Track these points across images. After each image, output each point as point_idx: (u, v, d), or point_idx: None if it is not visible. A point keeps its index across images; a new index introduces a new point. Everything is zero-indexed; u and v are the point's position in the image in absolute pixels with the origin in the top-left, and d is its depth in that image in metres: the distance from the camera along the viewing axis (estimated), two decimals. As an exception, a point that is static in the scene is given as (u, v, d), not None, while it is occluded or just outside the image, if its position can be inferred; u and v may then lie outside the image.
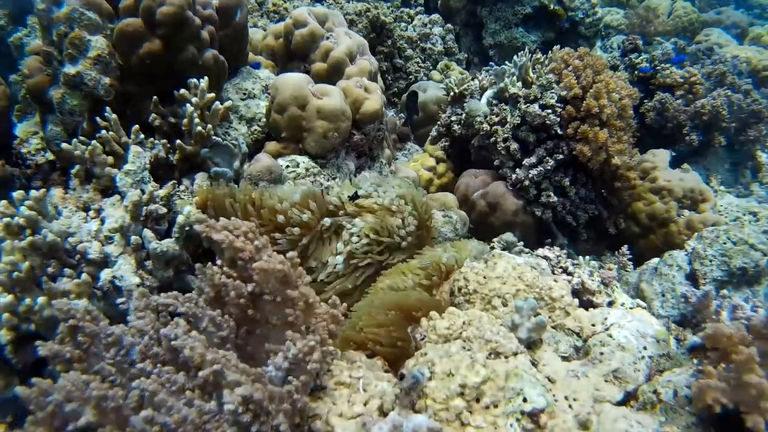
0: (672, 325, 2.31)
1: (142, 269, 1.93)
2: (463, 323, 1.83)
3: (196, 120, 2.14)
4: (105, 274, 1.87)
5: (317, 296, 1.49)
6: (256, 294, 1.32)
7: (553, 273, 2.38)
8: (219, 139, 2.20)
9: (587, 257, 2.52)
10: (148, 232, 1.89)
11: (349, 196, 2.19)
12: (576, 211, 3.43)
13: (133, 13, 2.10)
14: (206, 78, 2.17)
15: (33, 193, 1.84)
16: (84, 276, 1.78)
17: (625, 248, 3.29)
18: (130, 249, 1.90)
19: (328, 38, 2.75)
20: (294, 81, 2.38)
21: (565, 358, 1.83)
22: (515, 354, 1.68)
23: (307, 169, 2.37)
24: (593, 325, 1.91)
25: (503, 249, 3.38)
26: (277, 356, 1.30)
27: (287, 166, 2.35)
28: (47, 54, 2.20)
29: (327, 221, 2.09)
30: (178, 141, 2.14)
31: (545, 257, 2.44)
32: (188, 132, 2.20)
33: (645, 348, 1.76)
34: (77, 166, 2.11)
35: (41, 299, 1.71)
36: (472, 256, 2.30)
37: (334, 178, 2.44)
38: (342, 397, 1.48)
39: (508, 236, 3.35)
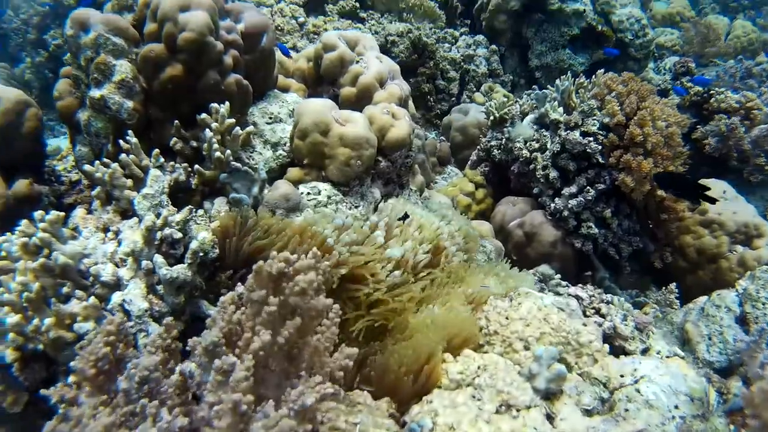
0: (715, 377, 2.09)
1: (154, 294, 1.88)
2: (478, 368, 1.70)
3: (215, 145, 2.09)
4: (115, 298, 1.83)
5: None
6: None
7: (585, 315, 2.20)
8: (238, 164, 2.15)
9: (621, 298, 2.32)
10: (159, 258, 1.85)
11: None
12: (619, 243, 3.22)
13: (156, 39, 2.09)
14: (227, 103, 2.13)
15: (49, 215, 1.83)
16: (92, 299, 1.75)
17: (672, 286, 3.05)
18: (142, 273, 1.86)
19: (358, 62, 2.68)
20: (316, 107, 2.31)
21: (587, 412, 1.66)
22: (528, 407, 1.54)
23: (329, 197, 2.29)
24: (622, 376, 1.74)
25: (540, 282, 3.21)
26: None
27: (308, 193, 2.28)
28: (76, 77, 2.22)
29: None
30: (197, 166, 2.11)
31: (577, 297, 2.27)
32: (209, 157, 2.16)
33: (676, 407, 1.57)
34: (98, 188, 2.10)
35: (48, 320, 1.68)
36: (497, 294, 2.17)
37: (356, 207, 2.35)
38: None
39: (545, 268, 3.18)
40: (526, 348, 1.85)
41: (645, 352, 2.02)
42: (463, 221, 2.54)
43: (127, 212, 2.12)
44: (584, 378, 1.79)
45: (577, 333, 1.88)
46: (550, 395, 1.64)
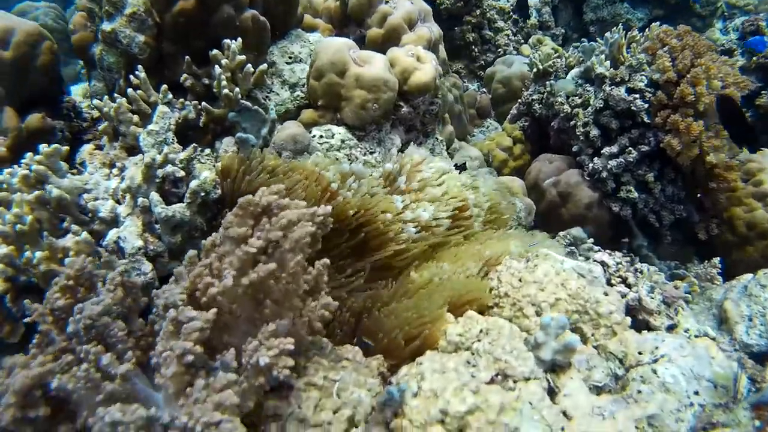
0: (749, 363, 1.87)
1: (150, 232, 1.80)
2: (480, 331, 1.55)
3: (224, 82, 1.97)
4: (111, 234, 1.76)
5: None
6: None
7: (609, 283, 2.00)
8: (247, 103, 2.02)
9: (654, 268, 2.10)
10: (154, 195, 1.76)
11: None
12: (660, 210, 2.96)
13: (168, -31, 1.95)
14: (239, 39, 1.99)
15: (44, 148, 1.76)
16: (84, 235, 1.68)
17: (716, 260, 2.78)
18: (138, 211, 1.77)
19: (387, 2, 2.47)
20: (334, 45, 2.14)
21: (597, 389, 1.49)
22: (527, 379, 1.38)
23: (342, 141, 2.14)
24: (640, 353, 1.55)
25: (569, 245, 3.00)
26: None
27: (321, 136, 2.13)
28: (90, 10, 2.12)
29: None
30: (204, 103, 1.99)
31: (602, 263, 2.06)
32: (218, 94, 2.03)
33: (696, 393, 1.39)
34: (105, 123, 2.02)
35: (39, 254, 1.63)
36: (516, 254, 1.99)
37: (372, 153, 2.20)
38: (309, 400, 1.27)
39: (578, 231, 2.97)
40: (538, 314, 1.68)
41: (671, 329, 1.82)
42: (490, 178, 2.34)
43: (134, 149, 2.04)
44: (600, 352, 1.62)
45: (597, 302, 1.70)
46: (556, 368, 1.48)
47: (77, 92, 2.74)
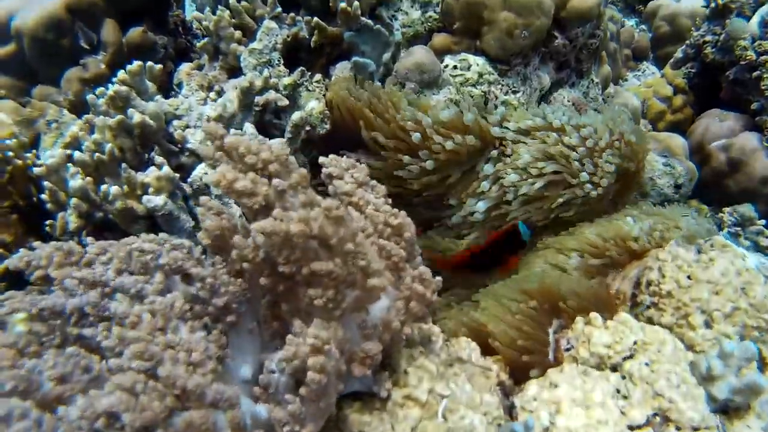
0: None
1: (244, 172, 1.45)
2: (635, 343, 1.09)
3: (341, -8, 1.53)
4: (198, 170, 1.43)
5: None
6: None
7: None
8: (369, 21, 1.58)
9: None
10: (249, 127, 1.40)
11: None
12: None
13: None
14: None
15: (129, 66, 1.43)
16: (165, 169, 1.35)
17: None
18: (231, 144, 1.41)
19: None
20: (480, -51, 1.61)
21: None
22: (695, 430, 0.91)
23: (480, 74, 1.65)
24: None
25: (735, 225, 2.37)
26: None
27: (455, 67, 1.65)
28: None
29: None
30: (316, 19, 1.56)
31: None
32: (334, 8, 1.60)
33: None
34: (205, 39, 1.67)
35: (114, 189, 1.32)
36: (682, 237, 1.45)
37: (515, 92, 1.69)
38: (407, 420, 0.88)
39: (747, 209, 2.37)
40: (708, 325, 1.20)
41: None
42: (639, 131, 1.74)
43: (236, 70, 1.67)
44: None
45: None
46: (728, 409, 1.01)
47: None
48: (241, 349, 0.89)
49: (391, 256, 0.92)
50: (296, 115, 1.40)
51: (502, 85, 1.66)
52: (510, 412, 1.02)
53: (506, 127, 1.49)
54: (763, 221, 2.39)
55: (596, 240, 1.38)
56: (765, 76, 2.49)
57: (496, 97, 1.65)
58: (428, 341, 1.07)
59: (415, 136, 1.38)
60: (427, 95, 1.54)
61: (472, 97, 1.56)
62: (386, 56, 1.61)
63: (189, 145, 1.45)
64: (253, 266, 0.82)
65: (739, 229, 2.48)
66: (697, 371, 1.05)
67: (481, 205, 1.46)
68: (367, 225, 0.93)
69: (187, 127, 1.51)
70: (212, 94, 1.63)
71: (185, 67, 1.73)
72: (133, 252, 0.85)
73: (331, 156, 1.07)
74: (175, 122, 1.50)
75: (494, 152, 1.47)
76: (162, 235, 0.96)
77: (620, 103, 2.33)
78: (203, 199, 0.91)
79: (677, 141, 2.49)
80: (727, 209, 2.47)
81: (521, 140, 1.49)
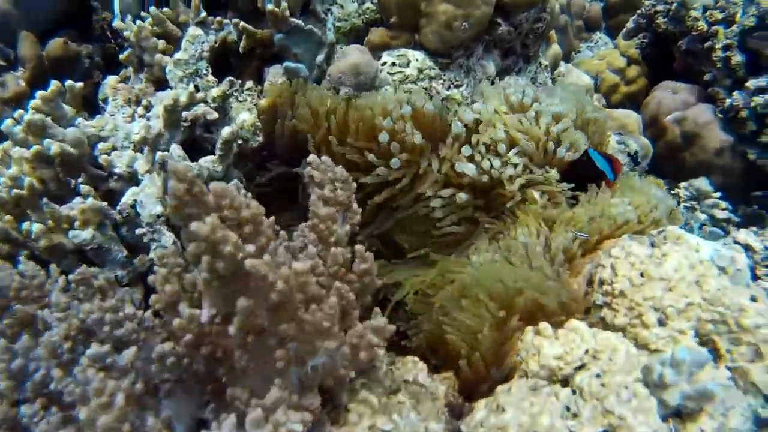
0: None
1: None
2: (586, 352, 1.06)
3: (268, -7, 1.42)
4: (127, 196, 1.33)
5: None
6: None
7: (756, 277, 1.38)
8: (298, 22, 1.47)
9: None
10: (176, 149, 1.30)
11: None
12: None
13: None
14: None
15: (41, 93, 1.31)
16: (90, 200, 1.25)
17: None
18: (158, 167, 1.32)
19: None
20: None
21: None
22: None
23: (420, 70, 1.57)
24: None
25: (691, 199, 2.35)
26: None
27: (393, 64, 1.57)
28: None
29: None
30: (242, 22, 1.46)
31: (746, 247, 1.43)
32: (262, 10, 1.50)
33: None
34: (128, 50, 1.55)
35: (36, 227, 1.22)
36: (652, 220, 1.42)
37: (458, 86, 1.61)
38: None
39: (702, 183, 2.36)
40: (661, 323, 1.17)
41: None
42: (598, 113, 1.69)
43: (162, 81, 1.56)
44: (738, 378, 1.11)
45: (741, 310, 1.19)
46: (682, 414, 0.99)
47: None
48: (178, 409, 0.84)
49: (343, 298, 0.86)
50: (226, 131, 1.31)
51: (444, 80, 1.59)
52: (457, 432, 0.98)
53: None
54: (718, 194, 2.38)
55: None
56: (717, 47, 2.45)
57: (438, 93, 1.57)
58: (372, 368, 1.02)
59: (382, 137, 1.30)
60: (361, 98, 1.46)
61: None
62: (320, 58, 1.52)
63: (116, 170, 1.35)
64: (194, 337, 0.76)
65: (695, 203, 2.46)
66: (650, 377, 1.02)
67: (437, 202, 1.39)
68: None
69: (114, 149, 1.41)
70: (140, 109, 1.52)
71: (111, 80, 1.61)
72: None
73: (324, 157, 0.99)
74: (101, 145, 1.39)
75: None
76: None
77: (572, 83, 2.28)
78: (169, 261, 0.84)
79: (632, 118, 2.45)
80: (683, 184, 2.45)
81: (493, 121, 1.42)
